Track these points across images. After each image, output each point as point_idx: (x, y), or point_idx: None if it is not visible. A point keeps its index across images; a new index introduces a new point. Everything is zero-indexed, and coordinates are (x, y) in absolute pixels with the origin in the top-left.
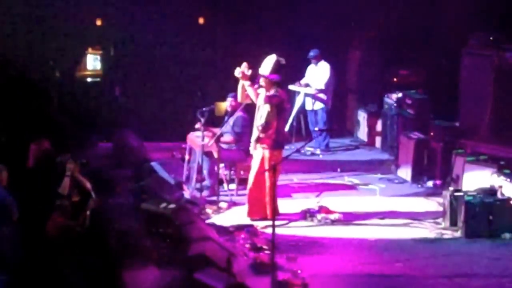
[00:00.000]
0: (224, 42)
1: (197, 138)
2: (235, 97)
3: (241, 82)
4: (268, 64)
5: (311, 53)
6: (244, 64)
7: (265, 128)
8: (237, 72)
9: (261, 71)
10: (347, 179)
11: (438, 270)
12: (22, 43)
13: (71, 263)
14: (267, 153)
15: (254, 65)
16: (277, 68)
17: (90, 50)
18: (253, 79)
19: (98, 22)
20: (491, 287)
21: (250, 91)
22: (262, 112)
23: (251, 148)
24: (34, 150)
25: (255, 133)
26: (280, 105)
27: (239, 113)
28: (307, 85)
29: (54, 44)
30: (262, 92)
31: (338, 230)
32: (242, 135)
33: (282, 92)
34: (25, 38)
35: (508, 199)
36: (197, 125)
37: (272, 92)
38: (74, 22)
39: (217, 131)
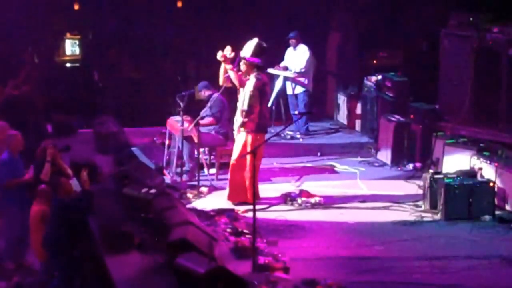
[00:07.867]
0: (202, 26)
1: (177, 123)
2: (206, 86)
3: (222, 65)
4: (249, 47)
5: (291, 34)
6: (227, 48)
7: (249, 112)
8: (219, 55)
9: (242, 53)
10: (327, 162)
11: (418, 253)
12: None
13: None
14: (250, 137)
15: (234, 49)
16: (258, 51)
17: (68, 35)
18: (234, 62)
19: (76, 7)
20: (471, 269)
21: (232, 74)
22: (245, 96)
23: (234, 133)
24: None
25: (239, 118)
26: (262, 89)
27: (217, 95)
28: (286, 69)
29: (32, 29)
30: (252, 78)
31: (318, 213)
32: (221, 117)
33: (264, 76)
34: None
35: (488, 181)
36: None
37: (253, 75)
38: (52, 7)
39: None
